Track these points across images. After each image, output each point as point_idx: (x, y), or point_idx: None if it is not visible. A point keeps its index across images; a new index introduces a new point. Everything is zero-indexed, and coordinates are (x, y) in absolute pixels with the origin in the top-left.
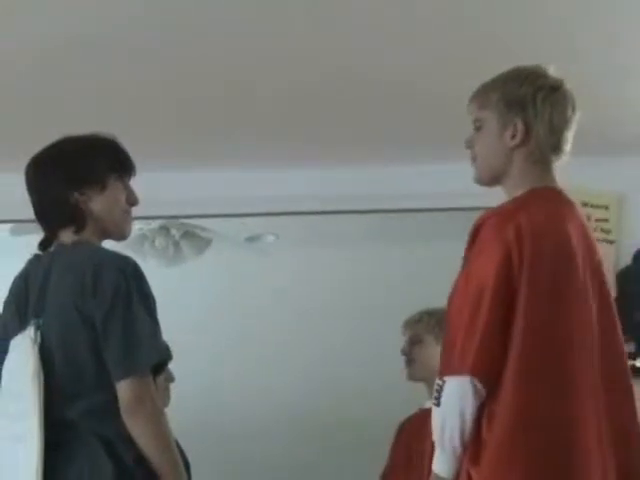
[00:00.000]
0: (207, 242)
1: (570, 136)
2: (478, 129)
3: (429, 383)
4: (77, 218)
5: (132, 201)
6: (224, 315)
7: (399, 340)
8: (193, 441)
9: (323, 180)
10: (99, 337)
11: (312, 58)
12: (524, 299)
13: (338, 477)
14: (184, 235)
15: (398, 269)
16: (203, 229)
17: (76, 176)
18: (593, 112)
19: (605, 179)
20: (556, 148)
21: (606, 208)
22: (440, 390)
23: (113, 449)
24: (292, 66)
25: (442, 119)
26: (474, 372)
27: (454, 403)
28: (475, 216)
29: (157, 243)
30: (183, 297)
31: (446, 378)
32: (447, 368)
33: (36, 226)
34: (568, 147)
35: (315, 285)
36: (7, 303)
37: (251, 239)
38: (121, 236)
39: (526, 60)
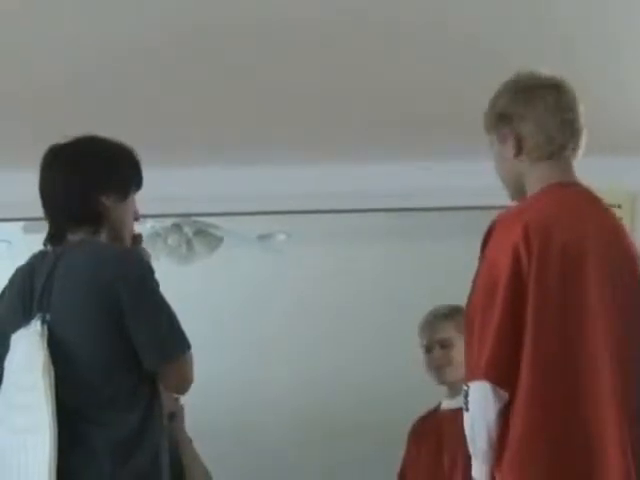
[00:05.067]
0: (219, 240)
1: (566, 122)
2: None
3: (453, 385)
4: (97, 220)
5: (137, 216)
6: (236, 313)
7: (414, 339)
8: (207, 442)
9: (335, 178)
10: (129, 323)
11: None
12: (533, 299)
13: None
14: (197, 233)
15: (412, 267)
16: (215, 227)
17: (107, 181)
18: (606, 110)
19: (618, 177)
20: (553, 140)
21: (619, 207)
22: (466, 395)
23: (114, 444)
24: (291, 67)
25: (456, 119)
26: (489, 376)
27: (478, 408)
28: (488, 214)
29: (170, 241)
30: (195, 295)
31: (469, 383)
32: (469, 373)
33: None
34: (569, 134)
35: (327, 283)
36: (9, 296)
37: (263, 237)
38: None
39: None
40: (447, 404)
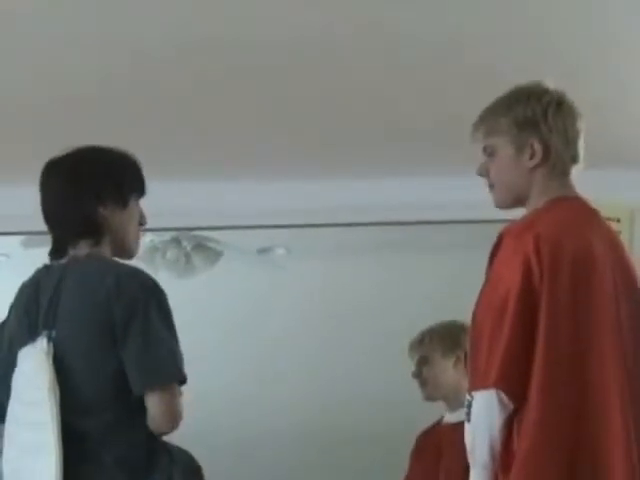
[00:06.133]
0: (218, 254)
1: (582, 145)
2: (490, 155)
3: (447, 399)
4: (97, 231)
5: (143, 222)
6: (235, 327)
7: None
8: (205, 456)
9: (335, 192)
10: (120, 342)
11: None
12: (545, 310)
13: None
14: (195, 247)
15: (412, 280)
16: (214, 241)
17: (104, 191)
18: (605, 125)
19: (617, 191)
20: (574, 158)
21: (618, 221)
22: (469, 406)
23: (124, 461)
24: (308, 80)
25: (454, 134)
26: (498, 385)
27: (481, 418)
28: (487, 227)
29: (168, 255)
30: (194, 309)
31: (473, 393)
32: (474, 383)
33: (48, 238)
34: (581, 150)
35: (327, 297)
36: (16, 312)
37: (262, 251)
38: (130, 255)
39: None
40: (448, 418)
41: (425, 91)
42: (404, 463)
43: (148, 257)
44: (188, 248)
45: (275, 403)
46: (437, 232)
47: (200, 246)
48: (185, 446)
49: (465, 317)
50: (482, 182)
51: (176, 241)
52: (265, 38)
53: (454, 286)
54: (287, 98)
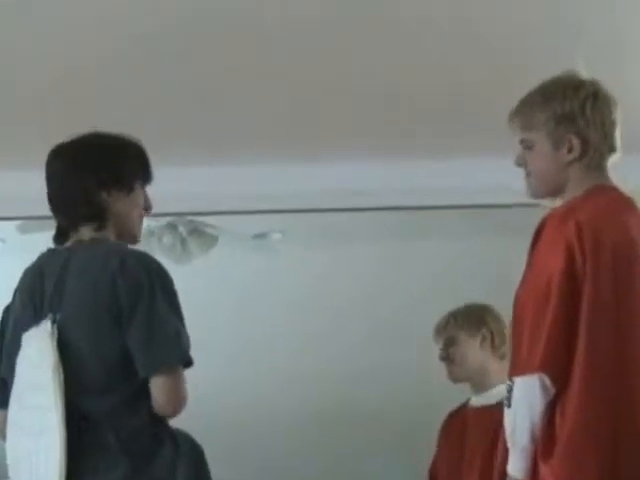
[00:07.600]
0: (214, 239)
1: (619, 134)
2: (527, 149)
3: (472, 380)
4: (100, 216)
5: (148, 207)
6: (231, 312)
7: (410, 337)
8: (204, 438)
9: (331, 177)
10: (125, 326)
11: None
12: (587, 299)
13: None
14: (191, 232)
15: (408, 265)
16: (210, 226)
17: (108, 177)
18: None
19: (622, 175)
20: (611, 149)
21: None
22: (510, 390)
23: (128, 444)
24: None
25: (457, 118)
26: (542, 370)
27: (523, 403)
28: (482, 213)
29: (164, 240)
30: (190, 294)
31: (515, 379)
32: (515, 368)
33: (45, 223)
34: (619, 143)
35: (323, 282)
36: (20, 296)
37: (258, 236)
38: (134, 239)
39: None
40: (474, 400)
41: (424, 74)
42: (400, 444)
43: (144, 242)
44: (184, 233)
45: (271, 387)
46: (434, 217)
47: (196, 231)
48: (182, 428)
49: (464, 302)
50: (482, 167)
51: (172, 226)
52: (268, 22)
53: (451, 271)
54: (283, 83)
